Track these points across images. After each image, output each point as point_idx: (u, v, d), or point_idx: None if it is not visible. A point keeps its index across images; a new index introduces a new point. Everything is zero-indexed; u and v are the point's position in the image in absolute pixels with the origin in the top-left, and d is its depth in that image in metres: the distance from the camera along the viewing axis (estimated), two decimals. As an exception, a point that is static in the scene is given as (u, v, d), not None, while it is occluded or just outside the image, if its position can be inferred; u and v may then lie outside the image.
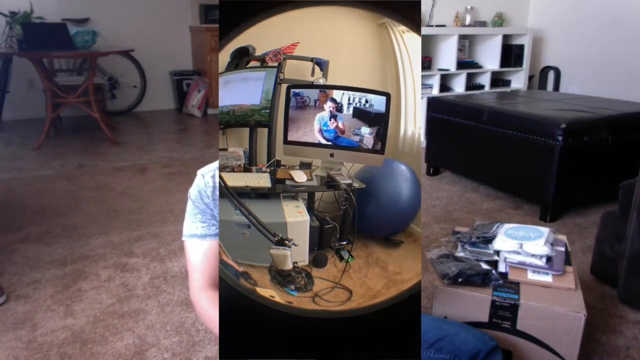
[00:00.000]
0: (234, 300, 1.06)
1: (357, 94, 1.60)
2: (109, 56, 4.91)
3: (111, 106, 5.57)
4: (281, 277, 1.24)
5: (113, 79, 5.60)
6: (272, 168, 1.69)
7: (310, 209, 1.63)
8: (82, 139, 4.57)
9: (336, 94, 1.61)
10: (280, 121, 1.74)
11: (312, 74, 1.81)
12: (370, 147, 1.60)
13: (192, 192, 1.15)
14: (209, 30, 5.41)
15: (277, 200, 1.55)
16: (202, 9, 5.54)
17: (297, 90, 1.64)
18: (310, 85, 1.67)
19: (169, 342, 1.70)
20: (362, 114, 1.60)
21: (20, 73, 5.05)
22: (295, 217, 1.49)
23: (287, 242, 1.19)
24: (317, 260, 1.53)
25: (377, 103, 1.59)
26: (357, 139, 1.59)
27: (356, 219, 1.62)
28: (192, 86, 5.74)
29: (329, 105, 1.60)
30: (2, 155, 3.98)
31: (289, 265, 1.22)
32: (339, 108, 1.60)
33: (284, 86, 1.74)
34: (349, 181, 1.61)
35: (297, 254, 1.37)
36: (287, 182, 1.57)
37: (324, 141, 1.62)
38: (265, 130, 1.81)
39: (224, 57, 1.84)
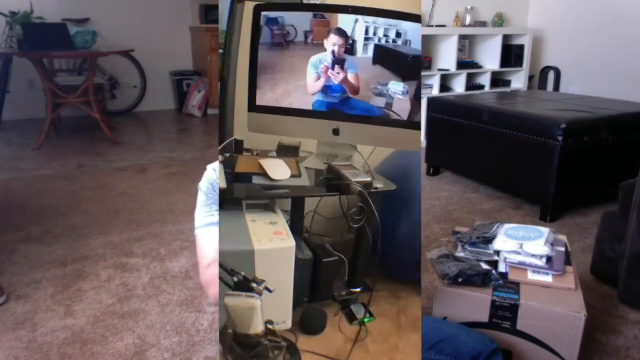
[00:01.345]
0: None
1: (382, 20, 0.93)
2: (109, 56, 4.91)
3: (111, 106, 5.56)
4: (243, 348, 0.74)
5: (113, 79, 5.60)
6: (227, 155, 1.06)
7: (296, 228, 1.05)
8: (82, 139, 4.57)
9: (343, 21, 0.94)
10: (242, 71, 1.04)
11: None
12: (404, 117, 0.95)
13: (203, 185, 1.18)
14: (209, 30, 5.41)
15: (237, 212, 0.99)
16: (202, 9, 5.54)
17: (272, 14, 0.98)
18: (297, 5, 1.02)
19: (169, 342, 1.70)
20: (390, 58, 0.94)
21: (20, 73, 5.05)
22: (270, 241, 0.91)
23: (255, 284, 0.74)
24: (308, 321, 0.97)
25: (414, 37, 0.93)
26: (381, 102, 0.96)
27: (379, 246, 1.03)
28: (192, 86, 5.74)
29: (332, 41, 0.95)
30: (2, 155, 3.98)
31: (257, 327, 0.74)
32: (348, 47, 0.95)
33: (247, 4, 1.02)
34: (366, 178, 1.00)
35: (273, 308, 0.83)
36: (255, 180, 1.00)
37: (322, 107, 0.98)
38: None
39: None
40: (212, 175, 1.18)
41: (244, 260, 0.87)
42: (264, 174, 1.00)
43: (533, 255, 1.50)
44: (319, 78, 0.96)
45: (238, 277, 0.76)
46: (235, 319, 0.74)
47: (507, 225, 1.67)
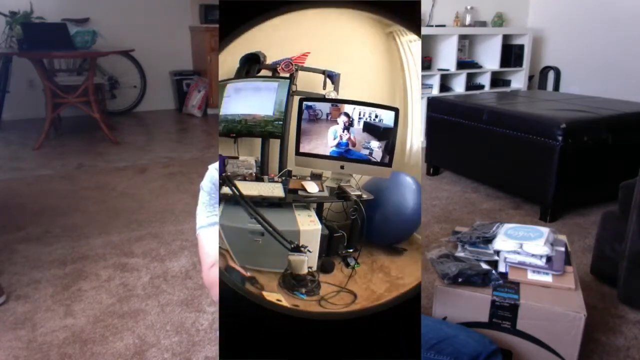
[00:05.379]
0: (237, 304, 1.07)
1: (368, 109, 1.63)
2: (109, 56, 4.91)
3: (111, 106, 5.57)
4: (296, 282, 1.34)
5: (113, 79, 5.60)
6: (283, 178, 1.75)
7: (319, 218, 1.69)
8: (82, 139, 4.57)
9: (347, 108, 1.64)
10: (292, 132, 1.77)
11: (324, 87, 1.85)
12: (379, 160, 1.64)
13: (206, 184, 1.17)
14: (209, 30, 5.42)
15: (289, 210, 1.60)
16: (202, 9, 5.54)
17: (309, 103, 1.67)
18: (323, 99, 1.71)
19: (169, 342, 1.70)
20: (371, 129, 1.64)
21: (20, 73, 5.05)
22: (308, 225, 1.54)
23: (303, 249, 1.28)
24: (325, 266, 1.57)
25: (386, 118, 1.63)
26: (366, 152, 1.65)
27: (364, 228, 1.65)
28: (192, 86, 5.74)
29: (342, 119, 1.64)
30: (2, 155, 3.98)
31: (304, 270, 1.31)
32: (350, 122, 1.64)
33: (295, 97, 1.78)
34: (358, 193, 1.66)
35: (309, 260, 1.44)
36: (300, 193, 1.62)
37: (335, 154, 1.68)
38: (277, 140, 1.86)
39: (224, 57, 1.83)
40: (215, 174, 1.17)
41: (294, 235, 1.44)
42: (304, 189, 1.65)
43: (533, 255, 1.50)
44: (334, 139, 1.66)
45: (293, 244, 1.29)
46: (294, 267, 1.30)
47: (507, 225, 1.67)
